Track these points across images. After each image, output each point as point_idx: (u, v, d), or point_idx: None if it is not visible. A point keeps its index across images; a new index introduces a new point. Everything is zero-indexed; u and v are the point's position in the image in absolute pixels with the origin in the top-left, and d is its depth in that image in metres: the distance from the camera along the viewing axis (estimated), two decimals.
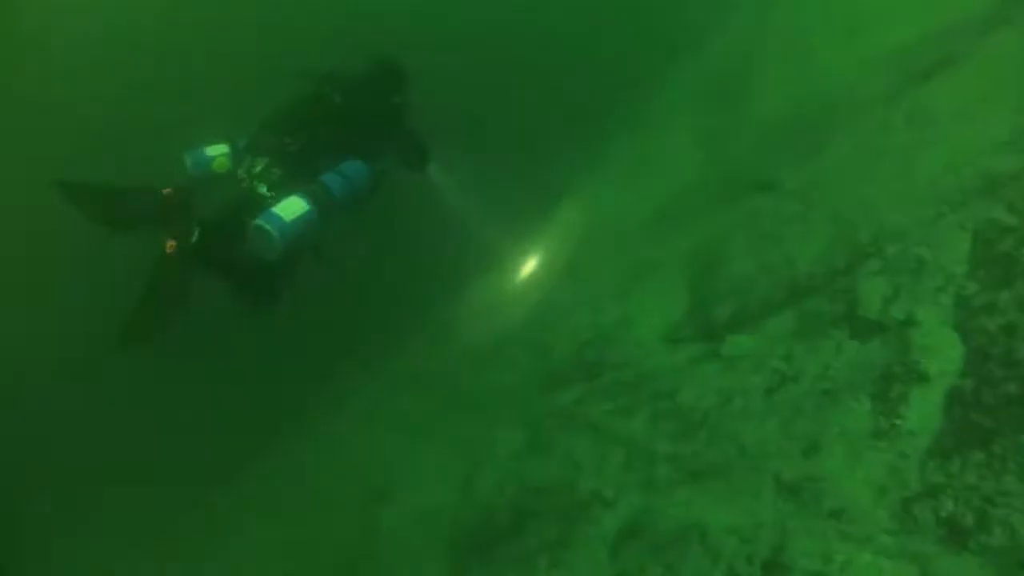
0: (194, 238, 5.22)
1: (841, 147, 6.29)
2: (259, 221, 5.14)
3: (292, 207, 5.31)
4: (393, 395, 9.37)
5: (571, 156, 10.54)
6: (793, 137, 7.16)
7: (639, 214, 8.29)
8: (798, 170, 6.70)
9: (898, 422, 3.96)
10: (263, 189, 5.73)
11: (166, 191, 5.31)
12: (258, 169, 5.85)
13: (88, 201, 5.12)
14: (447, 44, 11.00)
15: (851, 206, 5.76)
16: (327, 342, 10.74)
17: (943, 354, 4.07)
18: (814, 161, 6.63)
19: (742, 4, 10.46)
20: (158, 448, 10.75)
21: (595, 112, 10.69)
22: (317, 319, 10.49)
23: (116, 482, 10.38)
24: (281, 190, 5.60)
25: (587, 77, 11.34)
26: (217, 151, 6.13)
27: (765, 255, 6.15)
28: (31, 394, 10.64)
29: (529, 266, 9.38)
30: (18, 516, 10.53)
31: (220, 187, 6.21)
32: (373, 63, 6.74)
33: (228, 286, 5.61)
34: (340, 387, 10.32)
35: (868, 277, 5.08)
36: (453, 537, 6.59)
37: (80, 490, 10.35)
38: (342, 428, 9.68)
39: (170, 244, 5.07)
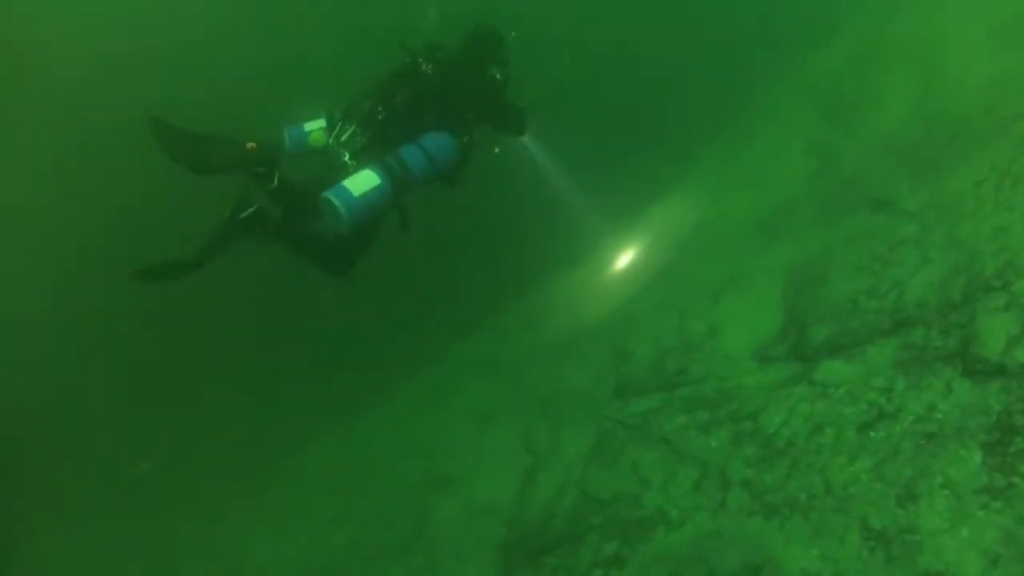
0: (273, 184, 5.23)
1: (973, 169, 5.73)
2: (328, 194, 5.05)
3: (364, 181, 5.16)
4: (459, 380, 9.13)
5: (676, 157, 10.14)
6: (914, 153, 6.62)
7: (741, 223, 7.85)
8: (917, 189, 6.18)
9: (1017, 481, 3.50)
10: (346, 157, 5.57)
11: (250, 144, 5.26)
12: (345, 137, 5.70)
13: (174, 141, 5.14)
14: (569, 30, 10.73)
15: (977, 234, 5.23)
16: (397, 320, 10.62)
17: None
18: (937, 181, 6.09)
19: (864, 9, 9.83)
20: (227, 417, 10.79)
21: (708, 114, 10.25)
22: (389, 295, 10.43)
23: (196, 442, 10.47)
24: (363, 158, 5.42)
25: (703, 79, 10.93)
26: (314, 126, 6.04)
27: (872, 277, 5.69)
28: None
29: (618, 264, 9.03)
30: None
31: (317, 161, 6.08)
32: (471, 34, 6.45)
33: (300, 251, 5.52)
34: (407, 368, 10.14)
35: (990, 313, 4.59)
36: (506, 539, 6.34)
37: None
38: (406, 409, 9.50)
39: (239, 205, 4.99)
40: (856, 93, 8.33)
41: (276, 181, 5.26)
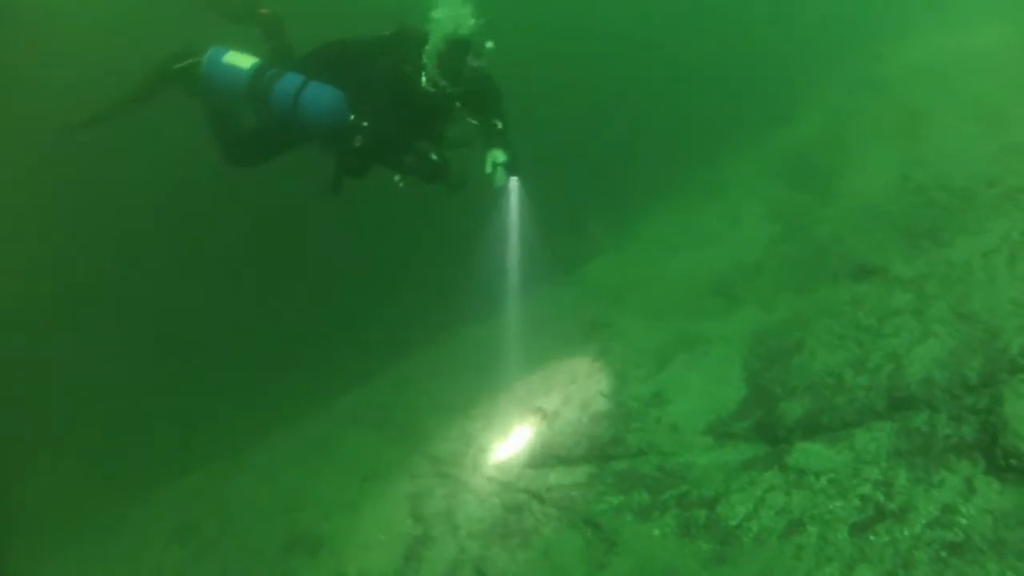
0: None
1: (979, 239, 4.87)
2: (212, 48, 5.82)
3: (241, 59, 5.81)
4: (345, 431, 7.76)
5: (624, 217, 9.24)
6: (905, 222, 5.81)
7: (693, 284, 6.87)
8: (912, 259, 5.32)
9: None
10: None
11: (263, 10, 6.04)
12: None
13: None
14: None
15: (993, 307, 4.31)
16: (284, 359, 9.32)
17: None
18: (936, 250, 5.25)
19: (833, 84, 9.29)
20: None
21: (661, 177, 9.46)
22: (281, 326, 9.29)
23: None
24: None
25: (660, 145, 10.24)
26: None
27: (858, 349, 4.71)
28: None
29: (544, 318, 7.90)
30: None
31: None
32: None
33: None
34: (287, 412, 8.75)
35: (1020, 398, 3.61)
36: None
37: None
38: (279, 459, 8.05)
39: None
40: (829, 162, 7.59)
41: None
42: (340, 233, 9.69)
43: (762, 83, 10.29)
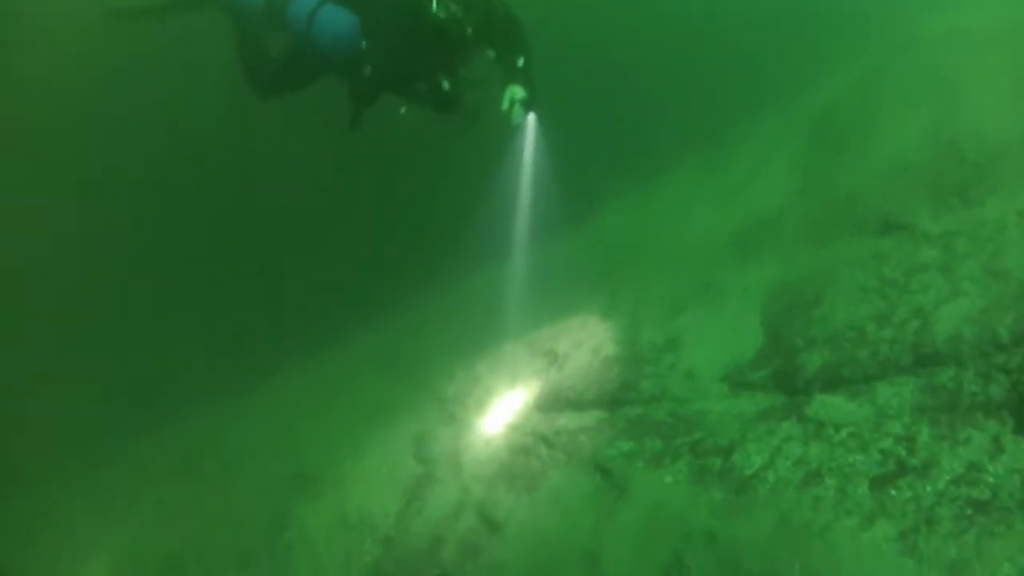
0: None
1: (1014, 198, 4.68)
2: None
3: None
4: (354, 372, 7.71)
5: (642, 170, 9.05)
6: (933, 178, 5.59)
7: (710, 236, 6.71)
8: (939, 215, 5.13)
9: None
10: None
11: None
12: None
13: None
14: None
15: None
16: (295, 299, 9.26)
17: None
18: (965, 209, 5.07)
19: (866, 47, 9.02)
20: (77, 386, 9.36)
21: (682, 130, 9.29)
22: (290, 269, 9.23)
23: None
24: None
25: (685, 98, 10.05)
26: None
27: (883, 303, 4.56)
28: None
29: (556, 264, 7.78)
30: None
31: None
32: None
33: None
34: (295, 353, 8.70)
35: None
36: (379, 561, 4.98)
37: None
38: (285, 398, 8.04)
39: None
40: (857, 121, 7.34)
41: None
42: (353, 174, 9.56)
43: (794, 42, 10.05)
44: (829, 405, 4.02)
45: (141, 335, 9.64)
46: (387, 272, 8.96)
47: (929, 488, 3.25)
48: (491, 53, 5.85)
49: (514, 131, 6.30)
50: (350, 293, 9.17)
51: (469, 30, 5.53)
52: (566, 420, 5.08)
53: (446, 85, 5.54)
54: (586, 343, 5.80)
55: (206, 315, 9.72)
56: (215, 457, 7.73)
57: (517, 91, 5.78)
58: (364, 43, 5.50)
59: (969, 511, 3.07)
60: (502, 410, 5.71)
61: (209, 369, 8.93)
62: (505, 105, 5.79)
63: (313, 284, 9.42)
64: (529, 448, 5.04)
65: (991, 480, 3.17)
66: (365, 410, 6.74)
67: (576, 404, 5.18)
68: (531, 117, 6.10)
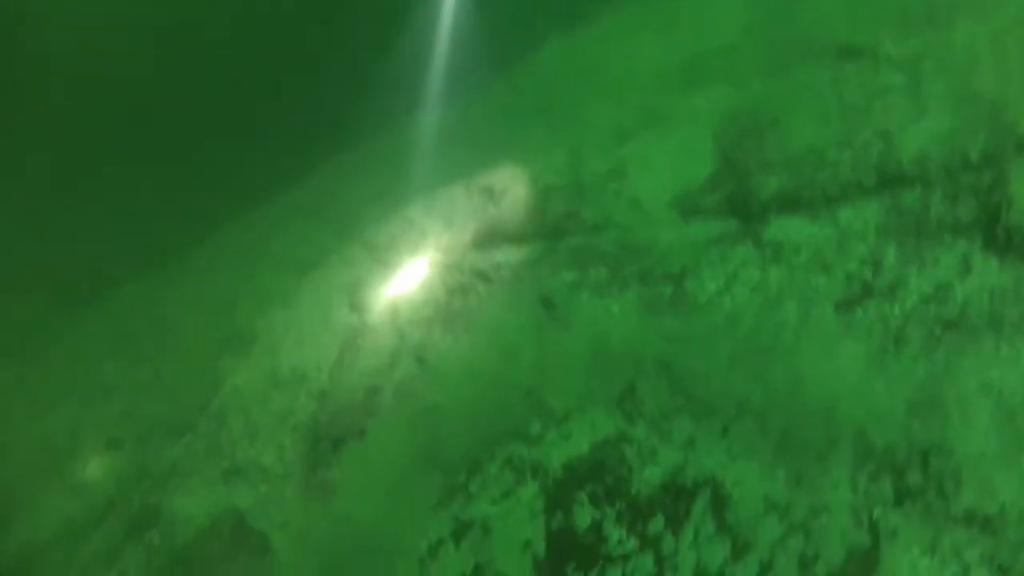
0: None
1: (985, 22, 4.36)
2: None
3: None
4: (283, 226, 7.24)
5: None
6: (898, 4, 5.19)
7: (657, 64, 6.25)
8: (903, 40, 4.78)
9: None
10: None
11: None
12: None
13: None
14: None
15: (1002, 87, 3.89)
16: (219, 155, 8.64)
17: None
18: (932, 32, 4.72)
19: None
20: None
21: None
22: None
23: None
24: None
25: None
26: None
27: (844, 127, 4.26)
28: None
29: (494, 101, 7.28)
30: None
31: None
32: None
33: None
34: (221, 211, 8.15)
35: None
36: (315, 417, 4.69)
37: None
38: (215, 258, 7.55)
39: None
40: None
41: None
42: (274, 24, 8.84)
43: None
44: (788, 228, 3.78)
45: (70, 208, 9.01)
46: (314, 125, 8.38)
47: (897, 309, 3.05)
48: None
49: None
50: (276, 149, 8.60)
51: None
52: (505, 254, 4.76)
53: None
54: (524, 175, 5.41)
55: (133, 184, 9.07)
56: (148, 330, 7.32)
57: None
58: None
59: (938, 331, 2.90)
60: (437, 251, 5.35)
61: (141, 240, 8.40)
62: None
63: (238, 143, 8.78)
64: (466, 286, 4.72)
65: (960, 299, 2.99)
66: (295, 265, 6.33)
67: (515, 238, 4.85)
68: None
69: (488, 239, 5.08)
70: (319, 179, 8.14)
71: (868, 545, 2.36)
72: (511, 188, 5.36)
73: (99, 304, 8.24)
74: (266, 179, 8.24)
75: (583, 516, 2.95)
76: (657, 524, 2.76)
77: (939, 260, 3.22)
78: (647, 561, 2.68)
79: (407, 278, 5.34)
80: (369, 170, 7.68)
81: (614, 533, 2.83)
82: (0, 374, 7.88)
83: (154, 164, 9.19)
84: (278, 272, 6.56)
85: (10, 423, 7.10)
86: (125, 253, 8.35)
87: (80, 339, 7.91)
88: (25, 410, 7.14)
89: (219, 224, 8.29)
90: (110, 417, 6.26)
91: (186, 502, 4.55)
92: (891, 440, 2.57)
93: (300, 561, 3.70)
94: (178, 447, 5.30)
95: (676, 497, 2.78)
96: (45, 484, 5.65)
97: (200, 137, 9.09)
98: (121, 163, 9.21)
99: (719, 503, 2.67)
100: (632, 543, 2.76)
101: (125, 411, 6.23)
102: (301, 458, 4.29)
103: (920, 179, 3.67)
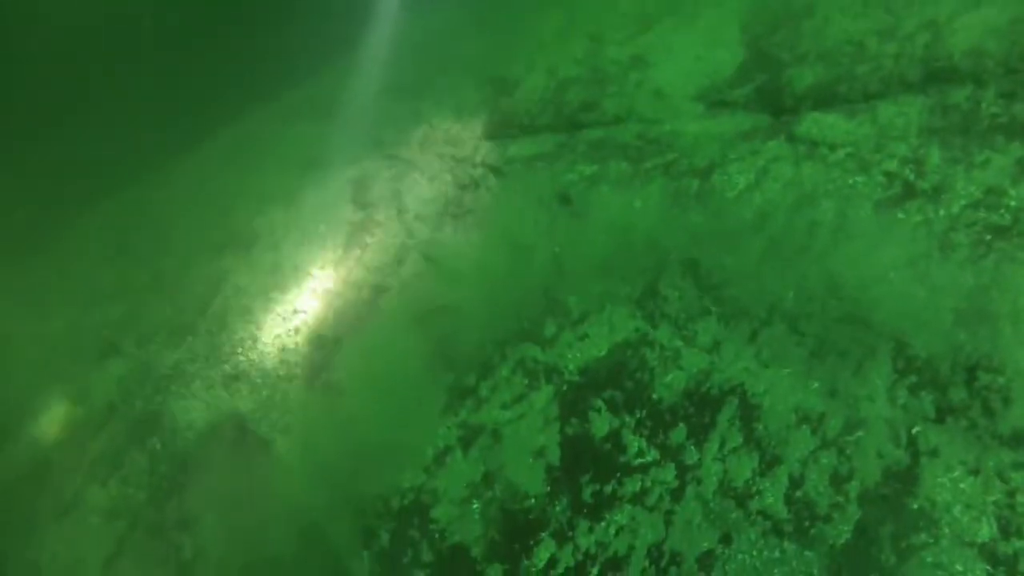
0: None
1: None
2: None
3: None
4: (285, 125, 6.95)
5: None
6: None
7: None
8: None
9: None
10: None
11: None
12: None
13: None
14: None
15: None
16: (220, 54, 8.27)
17: None
18: None
19: None
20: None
21: None
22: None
23: None
24: None
25: None
26: None
27: (887, 16, 3.94)
28: None
29: None
30: None
31: None
32: None
33: None
34: (223, 112, 7.85)
35: None
36: (316, 319, 4.53)
37: None
38: (217, 160, 7.28)
39: None
40: None
41: None
42: None
43: None
44: (823, 124, 3.53)
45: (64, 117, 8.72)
46: (320, 23, 8.00)
47: (942, 212, 2.84)
48: None
49: None
50: (284, 39, 8.24)
51: None
52: (519, 147, 4.52)
53: None
54: (540, 64, 5.11)
55: (131, 86, 8.73)
56: (148, 234, 7.12)
57: None
58: None
59: (988, 237, 2.70)
60: (447, 144, 5.10)
61: (139, 143, 8.13)
62: None
63: (244, 41, 8.41)
64: (478, 180, 4.50)
65: (1013, 204, 2.78)
66: (297, 162, 6.09)
67: (529, 129, 4.59)
68: None
69: (501, 132, 4.82)
70: (325, 77, 7.83)
71: (906, 464, 2.23)
72: (525, 78, 5.07)
73: (97, 208, 8.08)
74: (268, 78, 7.98)
75: (600, 424, 2.83)
76: (679, 434, 2.63)
77: (990, 162, 2.99)
78: (668, 473, 2.56)
79: (415, 173, 5.11)
80: (376, 66, 7.36)
81: (633, 443, 2.71)
82: None
83: (153, 60, 8.88)
84: (279, 171, 6.35)
85: (11, 329, 7.03)
86: (123, 157, 8.12)
87: (79, 244, 7.79)
88: (25, 316, 7.06)
89: (220, 125, 8.05)
90: (110, 321, 6.15)
91: (188, 405, 4.47)
92: (934, 352, 2.41)
93: (302, 466, 3.61)
94: (176, 351, 5.20)
95: (700, 405, 2.64)
96: (47, 389, 5.59)
97: (201, 34, 8.78)
98: (118, 62, 8.91)
99: (747, 413, 2.53)
100: (652, 454, 2.64)
101: (125, 316, 6.12)
102: (304, 360, 4.16)
103: (972, 75, 3.40)
